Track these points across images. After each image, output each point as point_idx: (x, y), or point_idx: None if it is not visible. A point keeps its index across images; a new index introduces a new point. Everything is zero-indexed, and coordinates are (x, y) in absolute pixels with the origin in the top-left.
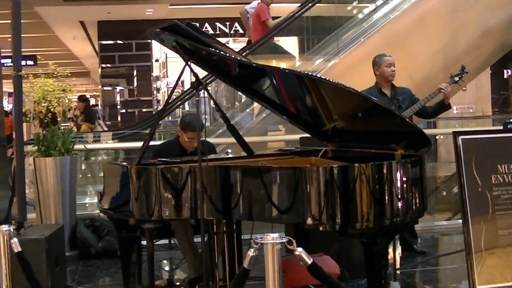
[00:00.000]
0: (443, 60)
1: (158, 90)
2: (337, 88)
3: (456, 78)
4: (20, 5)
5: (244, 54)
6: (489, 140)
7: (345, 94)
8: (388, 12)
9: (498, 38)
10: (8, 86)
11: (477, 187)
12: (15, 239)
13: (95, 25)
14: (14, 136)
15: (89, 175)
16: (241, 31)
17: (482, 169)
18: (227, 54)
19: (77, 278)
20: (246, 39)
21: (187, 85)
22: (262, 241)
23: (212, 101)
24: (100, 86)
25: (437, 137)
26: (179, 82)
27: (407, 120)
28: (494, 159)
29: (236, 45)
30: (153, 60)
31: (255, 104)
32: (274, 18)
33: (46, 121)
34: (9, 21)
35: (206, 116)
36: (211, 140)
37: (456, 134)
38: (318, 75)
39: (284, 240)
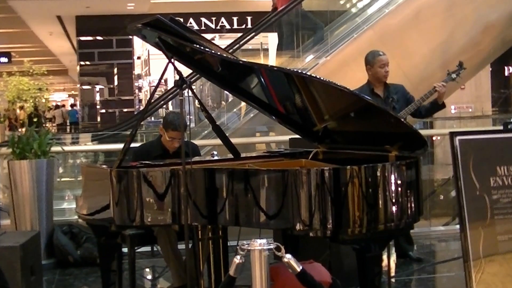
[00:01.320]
0: (440, 57)
1: (140, 89)
2: (328, 86)
3: (454, 75)
4: None
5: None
6: (488, 141)
7: (337, 92)
8: (383, 7)
9: (498, 34)
10: None
11: (475, 190)
12: None
13: (73, 20)
14: None
15: (67, 179)
16: (227, 26)
17: (481, 172)
18: (213, 51)
19: None
20: (233, 34)
21: (170, 84)
22: (249, 248)
23: (197, 101)
24: (78, 85)
25: (433, 138)
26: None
27: (402, 120)
28: (493, 161)
29: (223, 41)
30: (135, 58)
31: (242, 103)
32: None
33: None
34: None
35: (191, 117)
36: (196, 141)
37: (453, 134)
38: (308, 73)
39: (272, 247)
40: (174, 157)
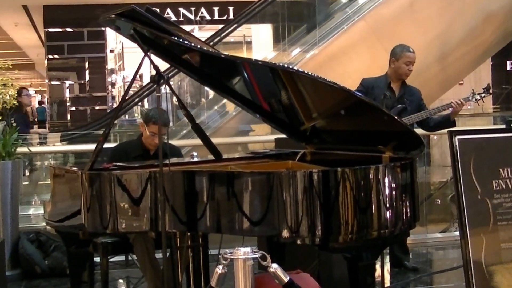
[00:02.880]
0: (438, 50)
1: (113, 85)
2: (316, 82)
3: (478, 97)
4: None
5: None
6: (489, 140)
7: (326, 88)
8: None
9: (499, 25)
10: None
11: (476, 194)
12: None
13: (41, 10)
14: None
15: (34, 182)
16: (208, 17)
17: (482, 174)
18: (192, 44)
19: None
20: (213, 26)
21: (146, 79)
22: (232, 257)
23: (175, 98)
24: (46, 81)
25: (430, 137)
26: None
27: (397, 118)
28: (495, 162)
29: (202, 33)
30: (108, 51)
31: (224, 101)
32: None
33: None
34: None
35: (169, 115)
36: (174, 141)
37: (452, 134)
38: (295, 68)
39: (257, 255)
40: (155, 158)
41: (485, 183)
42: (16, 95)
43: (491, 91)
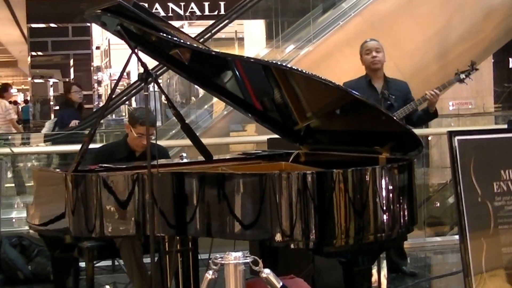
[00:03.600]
0: (437, 47)
1: (99, 83)
2: (310, 80)
3: (462, 75)
4: None
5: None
6: (490, 141)
7: (320, 87)
8: None
9: (501, 21)
10: None
11: (476, 196)
12: None
13: (23, 4)
14: None
15: (16, 185)
16: (198, 12)
17: (482, 176)
18: (181, 41)
19: None
20: (204, 22)
21: (134, 77)
22: (222, 261)
23: (163, 96)
24: (29, 78)
25: (429, 138)
26: (125, 74)
27: (395, 118)
28: (496, 163)
29: (192, 29)
30: (94, 48)
31: (215, 99)
32: None
33: None
34: None
35: (157, 114)
36: (163, 142)
37: (451, 134)
38: (289, 65)
39: (248, 260)
40: (142, 160)
41: (486, 185)
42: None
43: (476, 66)
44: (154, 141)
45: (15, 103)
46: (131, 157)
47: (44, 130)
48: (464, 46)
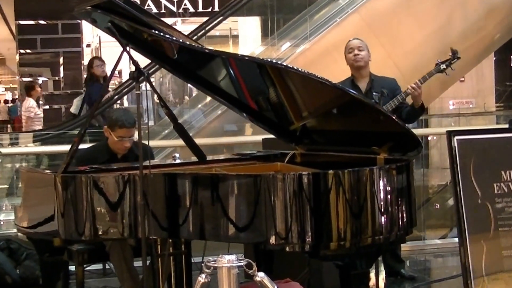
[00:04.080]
0: (436, 45)
1: None
2: (307, 78)
3: (443, 66)
4: None
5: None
6: (490, 141)
7: (317, 86)
8: None
9: (503, 18)
10: None
11: (476, 198)
12: None
13: (11, 1)
14: None
15: (4, 186)
16: (191, 9)
17: (483, 177)
18: (174, 38)
19: None
20: (197, 19)
21: (126, 76)
22: (215, 265)
23: (156, 95)
24: (18, 77)
25: (429, 138)
26: (116, 72)
27: (393, 117)
28: (496, 164)
29: (186, 26)
30: (84, 45)
31: (209, 99)
32: None
33: None
34: None
35: (150, 114)
36: (155, 142)
37: (450, 134)
38: (284, 63)
39: (242, 263)
40: (124, 162)
41: (486, 187)
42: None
43: (458, 55)
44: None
45: (5, 102)
46: (113, 160)
47: (72, 109)
48: (465, 44)
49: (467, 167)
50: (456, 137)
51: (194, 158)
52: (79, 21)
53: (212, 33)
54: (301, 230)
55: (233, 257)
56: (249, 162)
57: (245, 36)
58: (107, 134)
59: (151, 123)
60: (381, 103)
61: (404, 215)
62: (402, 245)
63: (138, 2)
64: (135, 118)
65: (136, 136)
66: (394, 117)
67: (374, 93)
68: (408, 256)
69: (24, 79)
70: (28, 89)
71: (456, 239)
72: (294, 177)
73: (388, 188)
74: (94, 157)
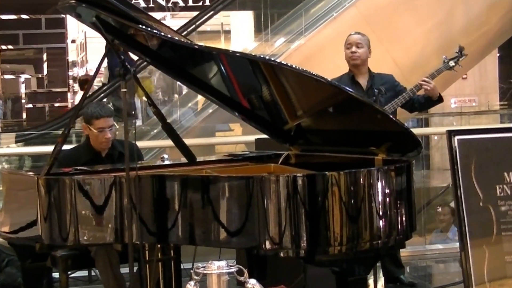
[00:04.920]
0: (437, 40)
1: (75, 79)
2: (301, 76)
3: (452, 63)
4: None
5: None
6: (493, 141)
7: (312, 83)
8: None
9: (506, 12)
10: None
11: (477, 200)
12: None
13: None
14: None
15: None
16: (181, 3)
17: (485, 178)
18: (163, 34)
19: None
20: (187, 13)
21: None
22: (205, 271)
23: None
24: None
25: (429, 138)
26: (102, 69)
27: (391, 116)
28: (499, 165)
29: (175, 21)
30: (69, 41)
31: (199, 97)
32: None
33: None
34: None
35: (138, 113)
36: (143, 143)
37: (451, 133)
38: (278, 60)
39: (233, 270)
40: (108, 161)
41: (488, 189)
42: None
43: (464, 52)
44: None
45: None
46: (96, 159)
47: (104, 79)
48: (467, 39)
49: (468, 168)
50: (457, 137)
51: (183, 159)
52: (64, 16)
53: (203, 28)
54: (295, 235)
55: (223, 263)
56: (241, 163)
57: (238, 31)
58: (87, 131)
59: (138, 122)
60: (380, 101)
61: (404, 218)
62: (401, 250)
63: None
64: (111, 108)
65: (120, 131)
66: (392, 116)
67: (375, 90)
68: (408, 261)
69: (6, 76)
70: (82, 84)
71: (458, 244)
72: (288, 179)
73: (387, 191)
74: (75, 157)
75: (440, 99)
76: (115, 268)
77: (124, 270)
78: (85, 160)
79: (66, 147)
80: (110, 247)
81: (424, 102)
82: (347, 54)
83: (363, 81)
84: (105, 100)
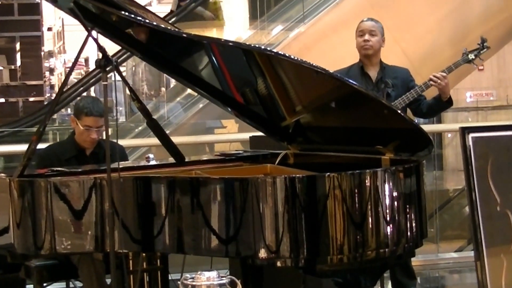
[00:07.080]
0: (451, 29)
1: (51, 71)
2: (300, 67)
3: (472, 56)
4: None
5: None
6: (511, 139)
7: (312, 75)
8: None
9: None
10: None
11: (494, 205)
12: None
13: None
14: None
15: None
16: None
17: (502, 180)
18: (147, 21)
19: None
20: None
21: (92, 65)
22: (194, 283)
23: (127, 87)
24: None
25: (442, 136)
26: (81, 60)
27: (399, 112)
28: None
29: (162, 7)
30: (44, 29)
31: (188, 91)
32: None
33: None
34: None
35: (120, 108)
36: (127, 141)
37: (464, 130)
38: (275, 50)
39: (224, 281)
40: (93, 160)
41: (506, 192)
42: None
43: (486, 44)
44: (103, 135)
45: None
46: (80, 157)
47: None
48: (483, 27)
49: (484, 169)
50: (471, 134)
51: (171, 159)
52: (39, 1)
53: None
54: (294, 242)
55: (213, 273)
56: (234, 164)
57: (231, 18)
58: (74, 124)
59: (122, 119)
60: (393, 95)
61: (413, 224)
62: (412, 259)
63: None
64: (103, 107)
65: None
66: (400, 112)
67: (388, 84)
68: (419, 272)
69: None
70: None
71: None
72: (286, 180)
73: (395, 194)
74: (58, 153)
75: (449, 102)
76: (100, 278)
77: (109, 280)
78: (69, 157)
79: (41, 145)
80: (95, 255)
81: (431, 104)
82: (358, 42)
83: (373, 73)
84: None
